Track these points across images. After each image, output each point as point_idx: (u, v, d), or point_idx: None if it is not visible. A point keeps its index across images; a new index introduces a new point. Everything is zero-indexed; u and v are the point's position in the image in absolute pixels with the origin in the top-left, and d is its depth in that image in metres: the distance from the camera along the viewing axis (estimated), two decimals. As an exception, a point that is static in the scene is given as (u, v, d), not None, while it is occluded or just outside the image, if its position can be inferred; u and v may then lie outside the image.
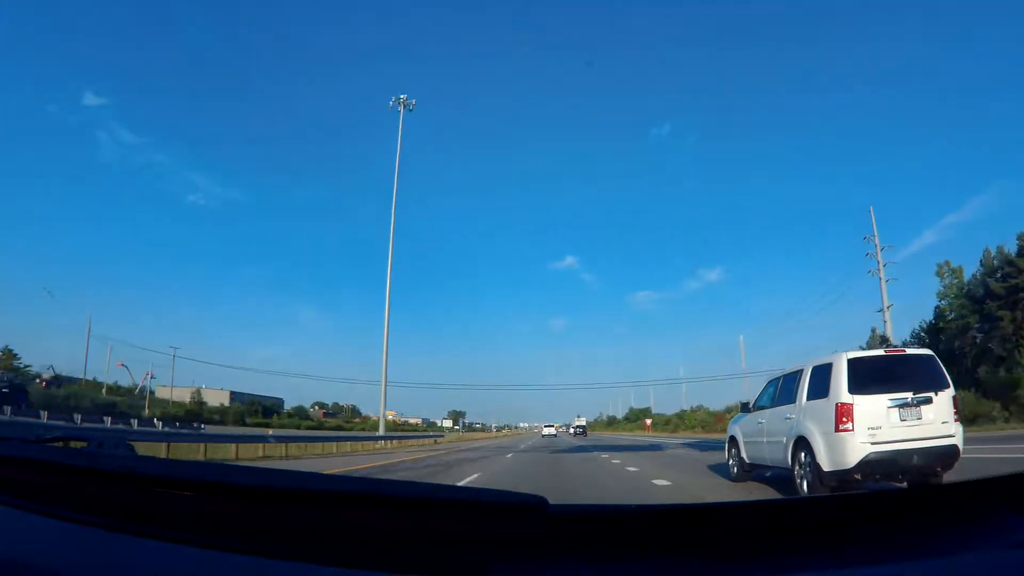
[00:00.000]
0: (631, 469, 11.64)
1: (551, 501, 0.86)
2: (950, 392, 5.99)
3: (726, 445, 9.26)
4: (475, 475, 11.22)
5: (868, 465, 5.57)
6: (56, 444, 1.47)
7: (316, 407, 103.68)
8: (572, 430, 74.77)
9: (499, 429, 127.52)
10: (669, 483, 8.73)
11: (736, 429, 8.82)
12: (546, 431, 64.73)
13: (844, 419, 5.68)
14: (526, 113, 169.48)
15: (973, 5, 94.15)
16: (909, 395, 5.77)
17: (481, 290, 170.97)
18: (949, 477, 5.93)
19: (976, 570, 0.80)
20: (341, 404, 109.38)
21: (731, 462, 8.91)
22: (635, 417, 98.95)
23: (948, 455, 5.75)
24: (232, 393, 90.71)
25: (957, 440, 5.81)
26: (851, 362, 5.99)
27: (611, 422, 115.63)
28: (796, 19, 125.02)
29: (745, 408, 8.79)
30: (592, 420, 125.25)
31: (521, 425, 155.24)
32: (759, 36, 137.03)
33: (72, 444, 1.53)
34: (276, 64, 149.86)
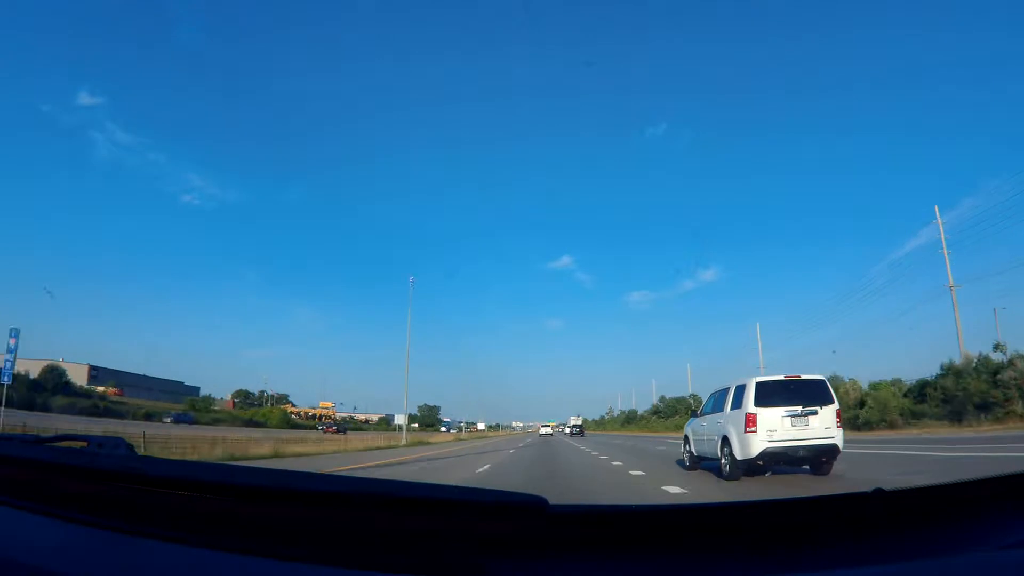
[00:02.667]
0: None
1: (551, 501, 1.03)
2: (834, 407, 10.57)
3: (682, 443, 14.03)
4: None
5: (766, 455, 10.06)
6: (56, 444, 1.75)
7: (232, 395, 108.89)
8: (568, 430, 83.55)
9: (471, 428, 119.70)
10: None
11: (689, 430, 13.64)
12: (543, 431, 76.38)
13: (751, 424, 10.17)
14: (524, 112, 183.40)
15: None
16: (799, 408, 10.29)
17: (479, 285, 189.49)
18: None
19: (975, 570, 0.95)
20: (269, 393, 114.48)
21: (685, 456, 13.73)
22: (671, 411, 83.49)
23: (828, 451, 10.30)
24: (91, 367, 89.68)
25: (837, 441, 10.35)
26: (758, 384, 10.54)
27: (630, 418, 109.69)
28: (793, 17, 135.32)
29: (694, 414, 13.67)
30: (599, 418, 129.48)
31: (515, 424, 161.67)
32: (757, 36, 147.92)
33: (72, 444, 1.78)
34: (273, 62, 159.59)
